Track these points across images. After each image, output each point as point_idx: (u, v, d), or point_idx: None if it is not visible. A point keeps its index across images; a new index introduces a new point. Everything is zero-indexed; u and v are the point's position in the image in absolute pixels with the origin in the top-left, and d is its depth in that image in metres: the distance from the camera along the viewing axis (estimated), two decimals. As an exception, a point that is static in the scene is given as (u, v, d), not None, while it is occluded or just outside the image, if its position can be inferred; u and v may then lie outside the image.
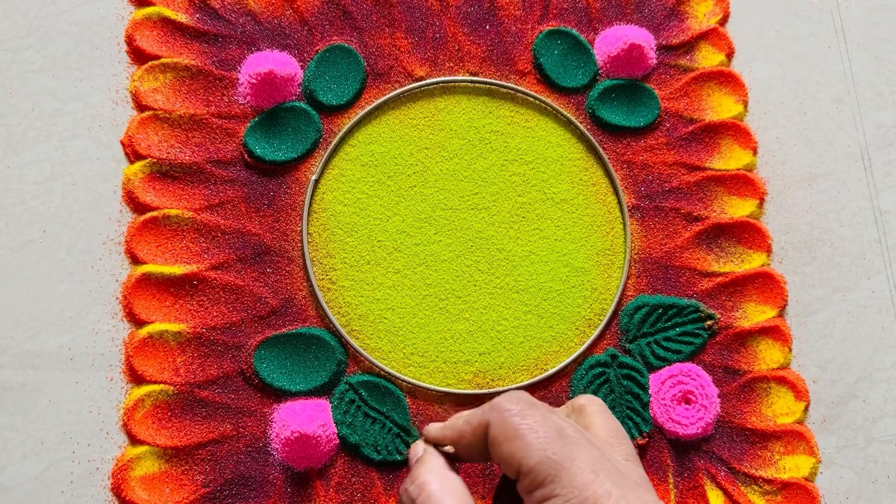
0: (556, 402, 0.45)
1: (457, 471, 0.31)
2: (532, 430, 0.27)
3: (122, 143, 0.46)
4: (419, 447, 0.32)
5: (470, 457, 0.31)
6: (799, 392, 0.46)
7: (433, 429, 0.32)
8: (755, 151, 0.51)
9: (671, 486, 0.45)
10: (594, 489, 0.25)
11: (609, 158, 0.49)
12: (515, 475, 0.27)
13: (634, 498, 0.25)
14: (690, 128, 0.50)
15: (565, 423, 0.28)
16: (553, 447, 0.27)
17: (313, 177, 0.47)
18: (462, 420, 0.30)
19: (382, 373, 0.44)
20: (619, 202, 0.49)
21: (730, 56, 0.52)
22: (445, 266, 0.47)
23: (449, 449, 0.31)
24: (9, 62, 0.46)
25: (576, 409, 0.32)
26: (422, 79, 0.49)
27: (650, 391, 0.46)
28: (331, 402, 0.43)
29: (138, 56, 0.47)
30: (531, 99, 0.50)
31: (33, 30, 0.47)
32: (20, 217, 0.44)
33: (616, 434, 0.30)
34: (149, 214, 0.44)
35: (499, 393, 0.45)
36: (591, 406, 0.31)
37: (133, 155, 0.45)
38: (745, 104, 0.51)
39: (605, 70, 0.51)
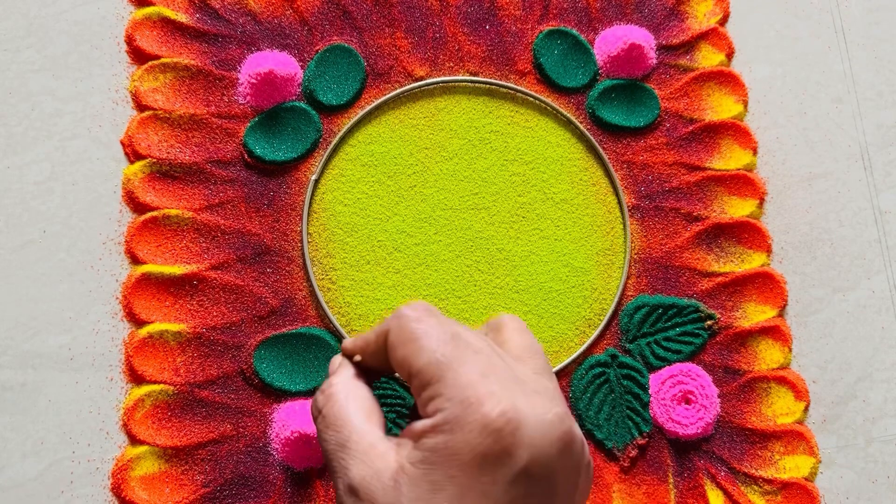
0: (556, 402, 0.45)
1: (371, 383, 0.31)
2: (426, 333, 0.27)
3: (122, 143, 0.46)
4: (336, 361, 0.32)
5: (377, 365, 0.30)
6: (799, 392, 0.46)
7: (347, 341, 0.32)
8: (755, 151, 0.51)
9: (671, 486, 0.45)
10: (478, 389, 0.25)
11: (609, 158, 0.49)
12: (408, 378, 0.27)
13: (525, 402, 0.25)
14: (690, 128, 0.50)
15: (471, 334, 0.28)
16: (444, 349, 0.26)
17: (313, 177, 0.47)
18: (369, 331, 0.30)
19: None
20: (619, 202, 0.49)
21: (730, 56, 0.52)
22: (445, 266, 0.47)
23: (357, 358, 0.31)
24: (9, 62, 0.46)
25: (493, 327, 0.31)
26: (422, 79, 0.49)
27: (650, 391, 0.46)
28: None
29: (138, 56, 0.47)
30: (531, 99, 0.50)
31: (33, 30, 0.47)
32: (20, 217, 0.44)
33: (529, 350, 0.30)
34: (149, 214, 0.44)
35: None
36: (510, 324, 0.31)
37: (133, 155, 0.45)
38: (745, 104, 0.51)
39: (605, 70, 0.51)
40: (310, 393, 0.43)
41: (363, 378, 0.30)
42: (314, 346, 0.44)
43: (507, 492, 0.24)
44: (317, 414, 0.29)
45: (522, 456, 0.24)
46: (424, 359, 0.26)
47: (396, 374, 0.31)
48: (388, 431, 0.43)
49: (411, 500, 0.24)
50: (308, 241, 0.46)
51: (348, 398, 0.29)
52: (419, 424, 0.25)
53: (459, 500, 0.24)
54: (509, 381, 0.26)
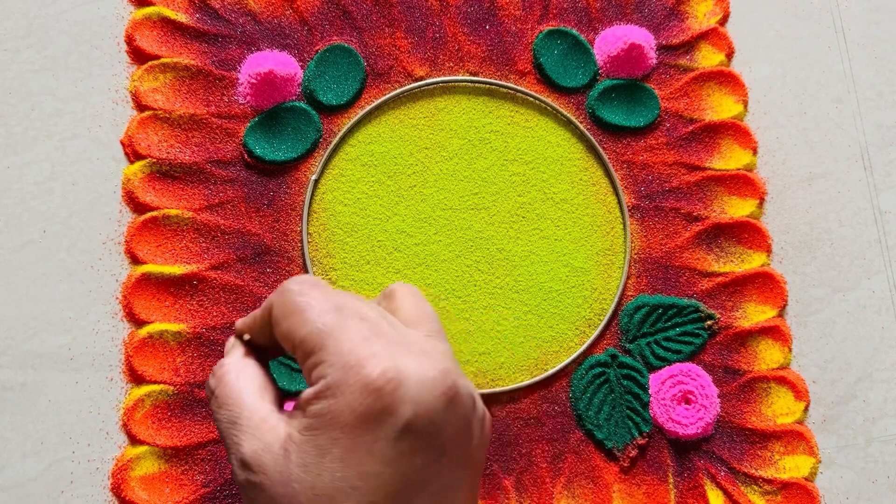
0: (557, 402, 0.45)
1: (265, 361, 0.31)
2: (308, 305, 0.27)
3: (122, 143, 0.46)
4: (230, 342, 0.32)
5: (266, 342, 0.30)
6: (799, 392, 0.46)
7: (239, 321, 0.32)
8: (755, 151, 0.51)
9: (671, 486, 0.45)
10: (358, 352, 0.25)
11: (609, 158, 0.49)
12: (293, 350, 0.27)
13: (408, 362, 0.25)
14: (690, 128, 0.50)
15: (357, 302, 0.28)
16: (325, 318, 0.26)
17: (313, 177, 0.47)
18: (258, 310, 0.30)
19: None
20: (619, 202, 0.49)
21: (730, 56, 0.52)
22: (445, 266, 0.47)
23: (246, 337, 0.31)
24: (9, 62, 0.46)
25: (386, 295, 0.31)
26: (422, 79, 0.49)
27: (650, 391, 0.46)
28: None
29: (138, 56, 0.47)
30: (531, 99, 0.50)
31: (33, 30, 0.47)
32: (20, 217, 0.44)
33: (421, 314, 0.30)
34: (149, 214, 0.44)
35: (499, 394, 0.45)
36: (401, 290, 0.31)
37: (133, 155, 0.45)
38: (745, 104, 0.51)
39: (605, 70, 0.51)
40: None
41: (255, 356, 0.30)
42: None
43: (393, 448, 0.24)
44: (210, 395, 0.29)
45: (405, 412, 0.24)
46: (307, 329, 0.26)
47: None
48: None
49: (299, 466, 0.24)
50: (308, 241, 0.46)
51: (239, 377, 0.29)
52: (305, 393, 0.26)
53: (344, 460, 0.24)
54: (395, 343, 0.26)
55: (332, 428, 0.24)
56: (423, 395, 0.25)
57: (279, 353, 0.31)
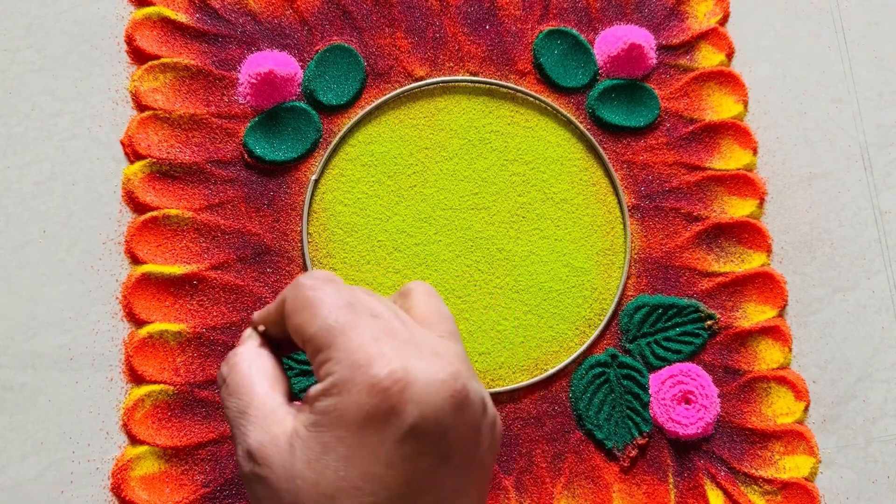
0: (557, 402, 0.45)
1: (279, 354, 0.31)
2: (320, 300, 0.27)
3: (122, 143, 0.46)
4: (246, 333, 0.32)
5: (280, 335, 0.30)
6: (799, 392, 0.46)
7: (256, 313, 0.32)
8: (755, 151, 0.51)
9: (671, 486, 0.45)
10: (368, 351, 0.24)
11: (609, 158, 0.49)
12: (303, 345, 0.27)
13: (418, 363, 0.25)
14: (690, 128, 0.50)
15: (370, 299, 0.28)
16: (336, 315, 0.26)
17: (313, 177, 0.47)
18: (272, 303, 0.30)
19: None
20: (619, 202, 0.49)
21: (730, 56, 0.52)
22: (445, 266, 0.47)
23: (261, 328, 0.31)
24: (9, 62, 0.46)
25: (402, 293, 0.31)
26: (422, 79, 0.49)
27: (650, 391, 0.46)
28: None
29: (138, 56, 0.47)
30: (531, 99, 0.50)
31: (33, 30, 0.47)
32: (20, 217, 0.44)
33: (436, 314, 0.29)
34: (149, 214, 0.44)
35: (499, 394, 0.45)
36: (418, 289, 0.30)
37: (133, 155, 0.45)
38: (745, 104, 0.51)
39: (605, 70, 0.51)
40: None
41: (269, 347, 0.30)
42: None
43: (398, 450, 0.24)
44: (221, 383, 0.29)
45: (411, 414, 0.24)
46: (317, 325, 0.26)
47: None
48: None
49: (303, 462, 0.24)
50: (308, 241, 0.46)
51: (251, 367, 0.28)
52: (313, 389, 0.25)
53: (348, 459, 0.24)
54: (406, 343, 0.26)
55: (337, 426, 0.24)
56: (429, 397, 0.24)
57: (293, 349, 0.31)
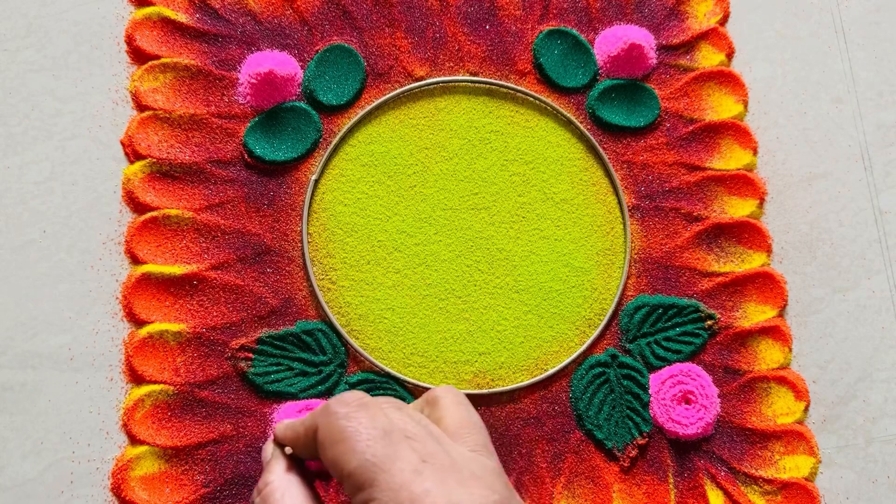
0: (557, 402, 0.45)
1: (306, 476, 0.30)
2: (356, 432, 0.26)
3: (122, 143, 0.46)
4: (268, 449, 0.31)
5: (309, 456, 0.29)
6: (799, 392, 0.46)
7: (279, 428, 0.31)
8: (755, 151, 0.51)
9: (671, 486, 0.45)
10: (412, 489, 0.24)
11: (609, 158, 0.49)
12: (340, 479, 0.26)
13: (462, 493, 0.24)
14: (690, 128, 0.50)
15: (403, 419, 0.27)
16: (374, 449, 0.25)
17: (313, 177, 0.47)
18: (299, 422, 0.29)
19: (383, 373, 0.44)
20: (619, 202, 0.49)
21: (730, 56, 0.52)
22: (445, 266, 0.47)
23: (288, 451, 0.30)
24: (9, 62, 0.46)
25: (429, 401, 0.30)
26: (422, 79, 0.49)
27: (650, 391, 0.46)
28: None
29: (138, 56, 0.47)
30: (531, 99, 0.50)
31: (33, 30, 0.47)
32: (20, 217, 0.44)
33: (466, 424, 0.29)
34: (149, 214, 0.44)
35: (499, 394, 0.45)
36: (446, 398, 0.30)
37: (133, 155, 0.45)
38: (745, 104, 0.51)
39: (605, 70, 0.51)
40: (308, 394, 0.44)
41: (297, 469, 0.30)
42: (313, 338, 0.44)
43: None
44: None
45: None
46: (355, 461, 0.25)
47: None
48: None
49: None
50: (308, 241, 0.46)
51: (284, 497, 0.28)
52: None
53: None
54: (446, 470, 0.25)
55: None
56: None
57: (326, 476, 0.30)
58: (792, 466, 0.45)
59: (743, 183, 0.50)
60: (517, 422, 0.45)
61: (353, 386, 0.44)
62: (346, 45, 0.49)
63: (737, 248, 0.49)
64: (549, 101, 0.50)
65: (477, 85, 0.50)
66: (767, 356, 0.47)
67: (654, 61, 0.51)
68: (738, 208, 0.49)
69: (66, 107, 0.46)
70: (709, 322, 0.47)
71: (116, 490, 0.41)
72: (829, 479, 0.46)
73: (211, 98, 0.47)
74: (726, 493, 0.45)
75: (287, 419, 0.31)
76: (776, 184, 0.50)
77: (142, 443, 0.41)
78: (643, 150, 0.50)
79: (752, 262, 0.49)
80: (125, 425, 0.42)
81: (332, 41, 0.49)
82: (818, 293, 0.49)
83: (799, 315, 0.48)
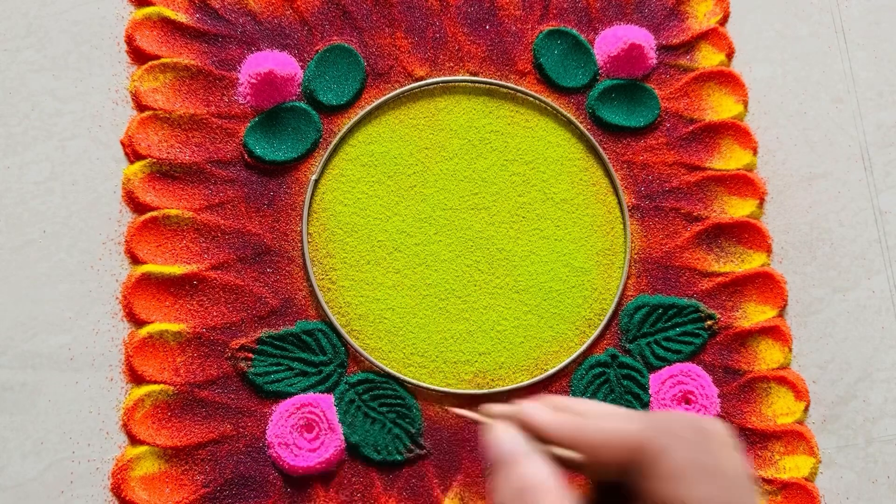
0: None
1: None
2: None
3: (122, 143, 0.46)
4: (515, 442, 0.25)
5: (592, 474, 0.25)
6: (799, 392, 0.46)
7: (544, 419, 0.25)
8: (755, 151, 0.51)
9: (671, 486, 0.44)
10: None
11: (609, 158, 0.49)
12: None
13: None
14: (690, 128, 0.50)
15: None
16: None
17: (313, 177, 0.47)
18: (594, 427, 0.24)
19: (383, 373, 0.44)
20: (619, 202, 0.49)
21: (730, 56, 0.52)
22: (445, 266, 0.47)
23: (574, 456, 0.24)
24: (9, 62, 0.46)
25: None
26: (422, 79, 0.49)
27: (650, 391, 0.46)
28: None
29: (138, 56, 0.47)
30: (531, 99, 0.50)
31: (33, 30, 0.47)
32: (20, 217, 0.44)
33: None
34: (149, 214, 0.44)
35: (499, 394, 0.45)
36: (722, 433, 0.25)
37: (133, 155, 0.45)
38: (745, 104, 0.51)
39: (605, 70, 0.51)
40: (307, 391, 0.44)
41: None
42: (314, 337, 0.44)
43: None
44: None
45: None
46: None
47: None
48: (389, 431, 0.43)
49: None
50: (308, 241, 0.46)
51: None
52: None
53: None
54: None
55: None
56: None
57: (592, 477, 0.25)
58: (792, 466, 0.45)
59: (743, 183, 0.50)
60: (517, 422, 0.45)
61: (352, 385, 0.44)
62: (346, 45, 0.49)
63: (737, 248, 0.49)
64: (549, 101, 0.50)
65: (477, 85, 0.50)
66: (767, 356, 0.47)
67: (654, 61, 0.51)
68: (738, 208, 0.49)
69: (66, 107, 0.46)
70: (709, 322, 0.47)
71: (116, 490, 0.41)
72: (829, 479, 0.46)
73: (211, 98, 0.47)
74: (726, 493, 0.45)
75: (545, 405, 0.25)
76: (776, 184, 0.50)
77: (142, 443, 0.41)
78: (643, 150, 0.50)
79: (752, 262, 0.49)
80: (125, 425, 0.42)
81: (332, 41, 0.49)
82: (818, 293, 0.49)
83: (799, 315, 0.48)
